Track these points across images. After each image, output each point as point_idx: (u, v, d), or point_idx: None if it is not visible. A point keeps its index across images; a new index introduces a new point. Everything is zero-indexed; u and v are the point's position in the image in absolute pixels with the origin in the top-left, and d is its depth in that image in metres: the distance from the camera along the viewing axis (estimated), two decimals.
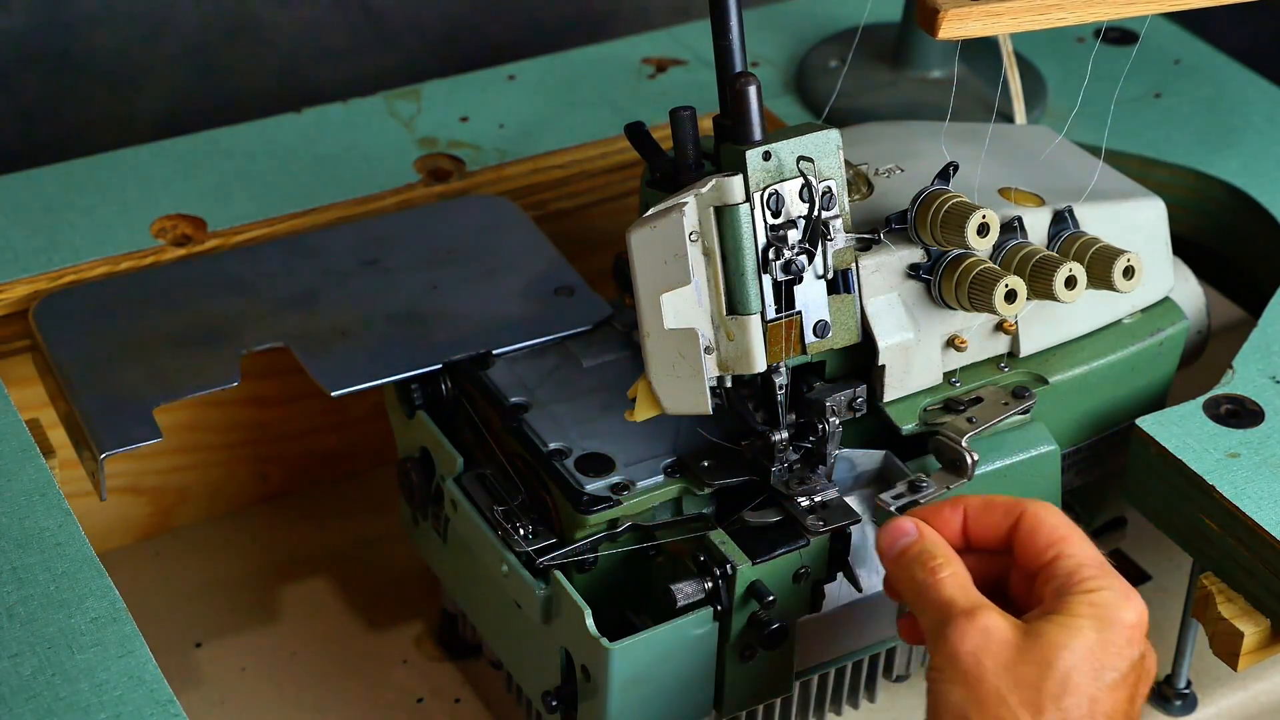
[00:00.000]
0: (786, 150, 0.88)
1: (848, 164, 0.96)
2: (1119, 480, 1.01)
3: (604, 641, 0.89)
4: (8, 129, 1.39)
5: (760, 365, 0.89)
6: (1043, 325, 0.99)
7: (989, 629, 0.85)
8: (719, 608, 0.91)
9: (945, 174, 0.94)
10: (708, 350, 0.89)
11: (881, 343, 0.94)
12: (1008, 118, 1.17)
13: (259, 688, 1.09)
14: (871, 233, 0.94)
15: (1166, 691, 1.06)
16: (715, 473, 0.93)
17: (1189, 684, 1.07)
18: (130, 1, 1.38)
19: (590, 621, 0.89)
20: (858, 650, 1.00)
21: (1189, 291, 1.08)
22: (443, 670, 1.10)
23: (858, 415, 0.94)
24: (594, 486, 0.92)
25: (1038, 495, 0.99)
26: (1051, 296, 0.92)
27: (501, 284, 1.07)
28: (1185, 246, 1.17)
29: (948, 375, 0.98)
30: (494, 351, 1.01)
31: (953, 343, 0.97)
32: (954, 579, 0.88)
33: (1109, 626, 0.86)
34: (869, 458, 0.97)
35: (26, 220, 1.12)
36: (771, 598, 0.90)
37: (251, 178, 1.17)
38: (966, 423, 0.95)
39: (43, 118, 1.40)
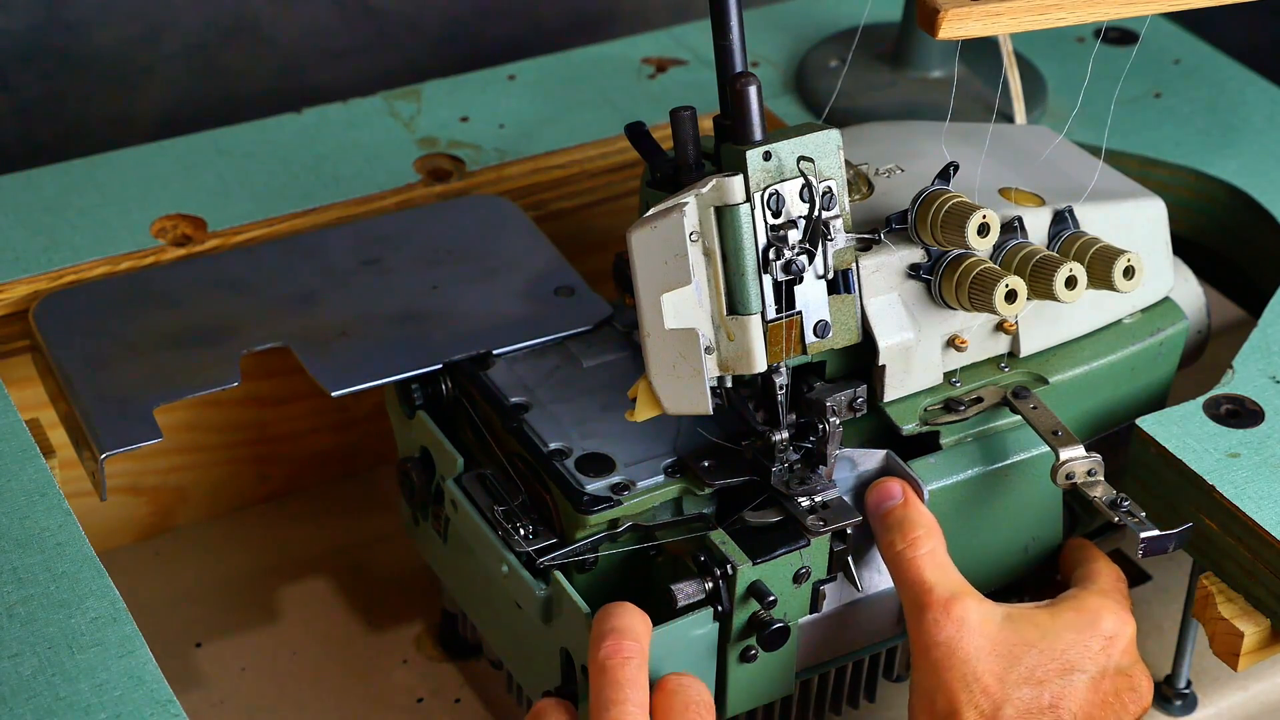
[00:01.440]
0: (786, 150, 0.87)
1: (848, 164, 0.96)
2: (1119, 480, 1.01)
3: None
4: (8, 129, 1.39)
5: (760, 365, 0.89)
6: (1043, 325, 0.99)
7: (964, 619, 0.86)
8: (719, 608, 0.90)
9: (945, 174, 0.94)
10: (708, 350, 0.88)
11: (882, 343, 0.94)
12: (1008, 118, 1.17)
13: (259, 688, 1.09)
14: (871, 233, 0.93)
15: (1166, 691, 1.06)
16: (716, 473, 0.93)
17: (1189, 684, 1.06)
18: (130, 1, 1.38)
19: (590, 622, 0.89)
20: (858, 650, 1.00)
21: (1189, 291, 1.08)
22: (443, 670, 1.10)
23: (858, 415, 0.94)
24: (594, 486, 0.92)
25: (1038, 495, 0.99)
26: (1052, 296, 0.92)
27: (501, 284, 1.07)
28: (1185, 246, 1.17)
29: (948, 375, 0.98)
30: (494, 351, 1.01)
31: (953, 343, 0.97)
32: (932, 557, 0.89)
33: (1085, 629, 0.87)
34: (869, 458, 0.97)
35: (26, 220, 1.12)
36: (772, 598, 0.90)
37: (251, 178, 1.17)
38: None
39: (43, 117, 1.40)
